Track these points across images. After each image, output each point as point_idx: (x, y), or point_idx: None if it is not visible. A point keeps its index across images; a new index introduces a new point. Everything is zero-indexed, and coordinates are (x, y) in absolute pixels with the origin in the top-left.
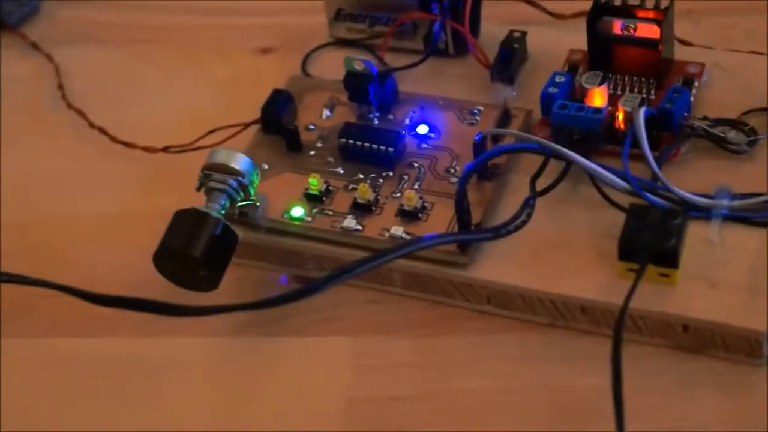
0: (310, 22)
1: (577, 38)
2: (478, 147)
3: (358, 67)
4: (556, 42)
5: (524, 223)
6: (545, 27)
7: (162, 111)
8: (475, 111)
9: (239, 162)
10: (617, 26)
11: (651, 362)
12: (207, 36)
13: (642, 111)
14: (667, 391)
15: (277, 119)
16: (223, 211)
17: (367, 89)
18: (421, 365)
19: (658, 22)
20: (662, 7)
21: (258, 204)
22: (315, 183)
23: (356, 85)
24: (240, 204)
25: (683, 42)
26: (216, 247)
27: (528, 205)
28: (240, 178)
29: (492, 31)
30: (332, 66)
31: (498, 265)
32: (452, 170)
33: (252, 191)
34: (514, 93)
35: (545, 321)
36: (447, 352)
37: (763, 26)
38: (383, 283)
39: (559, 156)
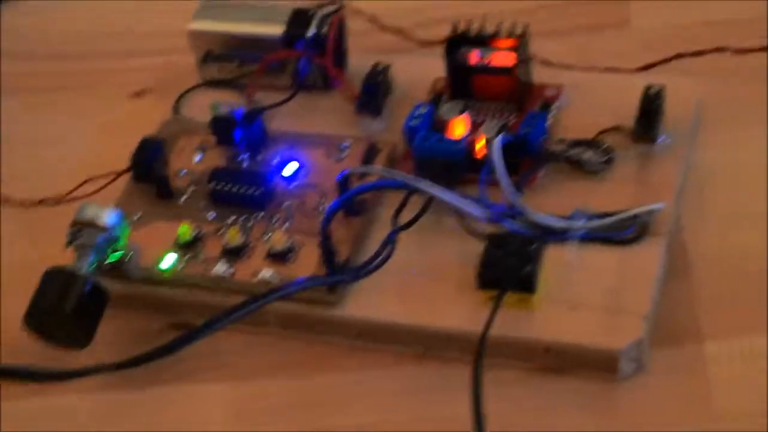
0: (184, 63)
1: (444, 66)
2: (342, 185)
3: (224, 110)
4: (424, 70)
5: (385, 260)
6: (414, 55)
7: (38, 161)
8: (343, 146)
9: (108, 217)
10: (474, 56)
11: (516, 386)
12: (79, 81)
13: (497, 140)
14: (533, 413)
15: (148, 168)
16: (93, 267)
17: (233, 133)
18: (300, 406)
19: (513, 50)
20: (517, 33)
21: (130, 256)
22: (185, 231)
23: (223, 129)
24: (111, 257)
25: (545, 62)
26: (86, 305)
27: (389, 242)
28: (109, 233)
29: (361, 62)
30: (204, 107)
31: (367, 301)
32: (321, 208)
33: (122, 244)
34: (381, 125)
35: (417, 352)
36: (325, 390)
37: (620, 43)
38: (259, 324)
39: (419, 191)
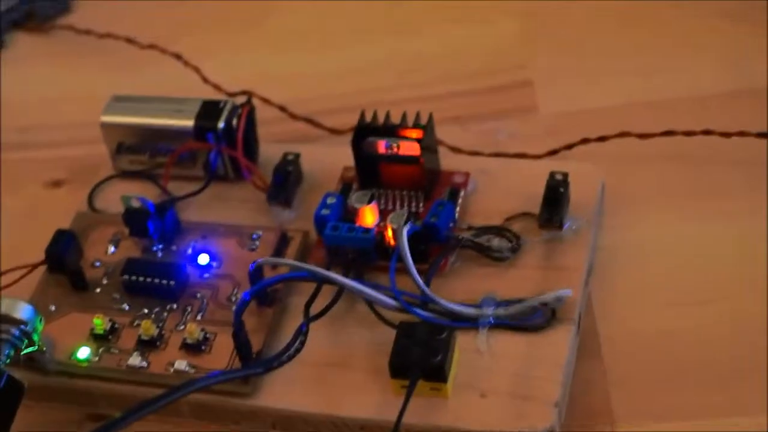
0: (99, 153)
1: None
2: (254, 275)
3: (136, 204)
4: (333, 159)
5: (297, 351)
6: (324, 143)
7: None
8: (255, 236)
9: (21, 311)
10: (381, 146)
11: None
12: None
13: (405, 229)
14: None
15: (62, 260)
16: (8, 361)
17: (146, 225)
18: None
19: (419, 140)
20: (422, 124)
21: (44, 349)
22: (99, 323)
23: (135, 221)
24: (25, 351)
25: (452, 149)
26: (1, 398)
27: (301, 333)
28: (23, 327)
29: (271, 152)
30: (118, 199)
31: (281, 391)
32: (233, 298)
33: (36, 338)
34: (293, 214)
35: None
36: None
37: (526, 127)
38: (173, 414)
39: (329, 282)
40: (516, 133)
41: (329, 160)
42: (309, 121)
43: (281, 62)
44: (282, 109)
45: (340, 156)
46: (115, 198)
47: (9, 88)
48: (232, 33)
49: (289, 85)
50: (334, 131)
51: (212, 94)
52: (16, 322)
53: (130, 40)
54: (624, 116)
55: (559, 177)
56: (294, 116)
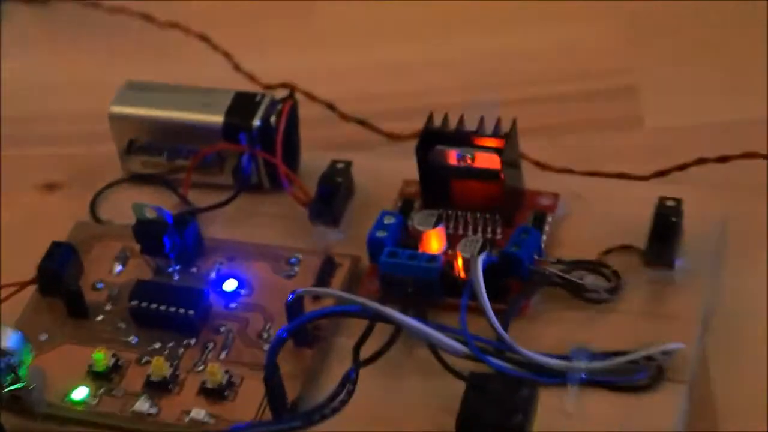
0: (104, 152)
1: (415, 164)
2: (293, 308)
3: (150, 214)
4: (391, 170)
5: (344, 403)
6: (379, 151)
7: None
8: (293, 260)
9: (6, 339)
10: (452, 156)
11: None
12: None
13: (480, 259)
14: None
15: (57, 279)
16: None
17: (162, 240)
18: None
19: (499, 152)
20: (503, 132)
21: (33, 386)
22: (101, 358)
23: (149, 235)
24: (10, 387)
25: (538, 165)
26: None
27: (349, 380)
28: (8, 358)
29: (316, 159)
30: (126, 207)
31: None
32: (265, 335)
33: (23, 372)
34: (340, 235)
35: None
36: None
37: (630, 144)
38: None
39: (384, 319)
40: (617, 148)
41: (386, 171)
42: (363, 123)
43: (330, 54)
44: (330, 107)
45: (400, 167)
46: (123, 206)
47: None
48: (272, 21)
49: (338, 81)
50: (393, 137)
51: (245, 87)
52: (1, 352)
53: (146, 17)
54: (749, 134)
55: (670, 204)
56: (345, 117)
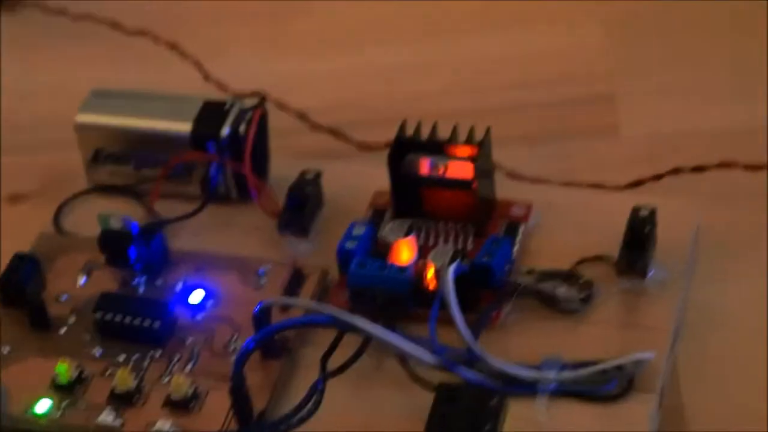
0: (71, 162)
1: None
2: (260, 319)
3: (116, 224)
4: (362, 180)
5: (311, 413)
6: (350, 161)
7: None
8: (262, 271)
9: None
10: (424, 166)
11: None
12: None
13: (451, 269)
14: None
15: (20, 291)
16: None
17: (127, 251)
18: None
19: (472, 160)
20: (476, 141)
21: None
22: (64, 370)
23: (114, 246)
24: None
25: (511, 175)
26: None
27: (316, 391)
28: None
29: (285, 169)
30: (92, 219)
31: None
32: (233, 346)
33: None
34: (310, 246)
35: None
36: None
37: (604, 151)
38: None
39: (353, 330)
40: (592, 158)
41: (357, 181)
42: (333, 132)
43: (302, 62)
44: (301, 116)
45: (371, 177)
46: (88, 217)
47: None
48: (242, 26)
49: (309, 90)
50: (365, 146)
51: (216, 95)
52: None
53: (114, 25)
54: (726, 144)
55: (644, 214)
56: (315, 126)
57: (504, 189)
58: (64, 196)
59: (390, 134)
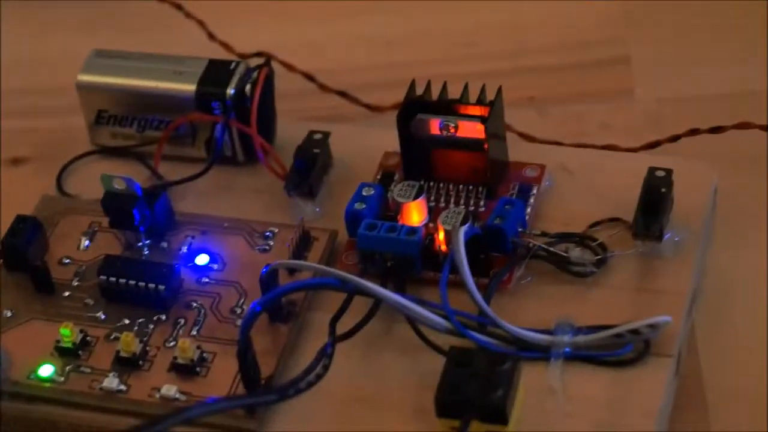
0: (73, 125)
1: (397, 136)
2: (267, 282)
3: (119, 186)
4: (372, 141)
5: (319, 377)
6: (358, 123)
7: None
8: (269, 233)
9: None
10: (435, 125)
11: None
12: None
13: (461, 231)
14: None
15: (22, 254)
16: None
17: (132, 213)
18: None
19: (483, 120)
20: (488, 100)
21: None
22: (67, 333)
23: (117, 208)
24: None
25: (524, 136)
26: None
27: (325, 354)
28: None
29: (292, 130)
30: (95, 181)
31: (296, 428)
32: (239, 310)
33: None
34: (317, 209)
35: None
36: None
37: (619, 115)
38: None
39: (363, 292)
40: (607, 120)
41: (366, 142)
42: (342, 94)
43: (308, 25)
44: (309, 77)
45: (380, 139)
46: (92, 180)
47: None
48: None
49: (317, 52)
50: (374, 108)
51: (220, 56)
52: None
53: None
54: (743, 106)
55: (660, 175)
56: (324, 88)
57: (516, 151)
58: (63, 160)
59: (398, 98)
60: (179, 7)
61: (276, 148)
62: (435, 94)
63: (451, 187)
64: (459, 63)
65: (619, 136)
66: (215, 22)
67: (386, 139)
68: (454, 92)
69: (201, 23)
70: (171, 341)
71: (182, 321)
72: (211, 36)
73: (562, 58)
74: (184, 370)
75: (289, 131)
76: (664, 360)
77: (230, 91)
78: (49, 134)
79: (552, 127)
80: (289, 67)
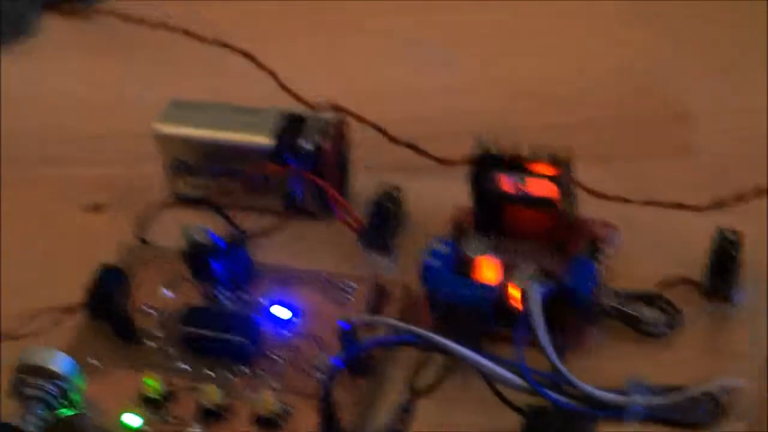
0: (150, 172)
1: (468, 190)
2: (346, 338)
3: (200, 237)
4: (442, 194)
5: None
6: (430, 176)
7: None
8: (346, 286)
9: (58, 363)
10: (507, 183)
11: None
12: (25, 191)
13: (536, 290)
14: None
15: (106, 302)
16: (41, 425)
17: (212, 265)
18: None
19: (555, 179)
20: (559, 159)
21: (85, 412)
22: (152, 384)
23: (198, 260)
24: (62, 412)
25: (592, 193)
26: None
27: (405, 410)
28: (60, 382)
29: (366, 183)
30: (171, 229)
31: None
32: (318, 363)
33: (77, 397)
34: (392, 262)
35: None
36: None
37: (685, 172)
38: None
39: (440, 349)
40: (672, 176)
41: (438, 196)
42: (412, 147)
43: (377, 73)
44: (379, 129)
45: (451, 193)
46: (169, 228)
47: (39, 87)
48: (315, 35)
49: (385, 102)
50: (444, 161)
51: (291, 105)
52: (52, 376)
53: (188, 33)
54: None
55: (730, 237)
56: (394, 140)
57: (584, 207)
58: (140, 207)
59: (463, 148)
60: (250, 57)
61: (350, 201)
62: (506, 148)
63: (522, 243)
64: (522, 116)
65: (684, 192)
66: (285, 66)
67: (457, 192)
68: (524, 146)
69: (273, 74)
70: (252, 393)
71: (263, 373)
72: (283, 86)
73: (626, 113)
74: (266, 423)
75: (363, 184)
76: (738, 424)
77: (306, 144)
78: (125, 181)
79: (617, 183)
80: (360, 119)
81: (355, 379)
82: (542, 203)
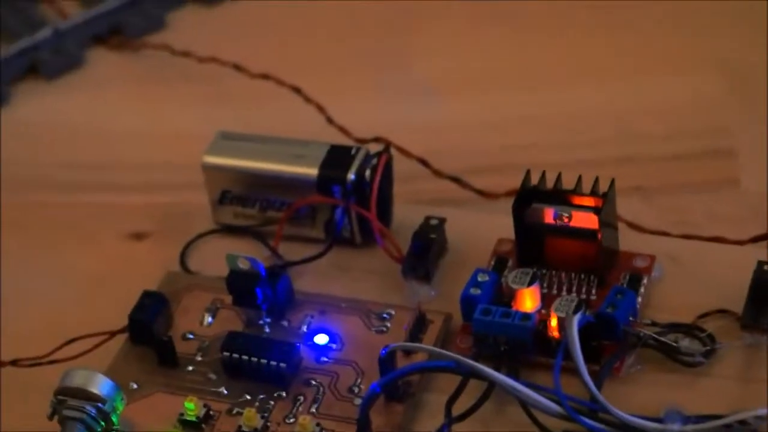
0: (192, 202)
1: (509, 222)
2: (385, 363)
3: (243, 265)
4: (484, 227)
5: None
6: (473, 208)
7: (11, 313)
8: (385, 315)
9: (99, 385)
10: (549, 215)
11: None
12: (66, 218)
13: (575, 319)
14: None
15: (148, 328)
16: None
17: (254, 292)
18: None
19: (597, 211)
20: (601, 192)
21: None
22: (192, 407)
23: (241, 286)
24: None
25: (632, 226)
26: None
27: None
28: (100, 405)
29: (408, 214)
30: (217, 259)
31: None
32: (356, 389)
33: (116, 420)
34: (433, 292)
35: None
36: None
37: (725, 207)
38: None
39: (478, 376)
40: (712, 210)
41: (480, 228)
42: (456, 180)
43: (420, 108)
44: (423, 162)
45: (493, 225)
46: (212, 257)
47: (86, 117)
48: (362, 71)
49: (428, 136)
50: (486, 194)
51: (338, 139)
52: (93, 398)
53: (238, 67)
54: None
55: None
56: (438, 173)
57: (625, 240)
58: (185, 236)
59: (509, 182)
60: (298, 91)
61: (392, 231)
62: (549, 182)
63: (563, 274)
64: (564, 150)
65: (724, 227)
66: (332, 100)
67: (499, 224)
68: (566, 180)
69: (320, 107)
70: (291, 418)
71: (302, 398)
72: (330, 120)
73: (667, 147)
74: None
75: (404, 213)
76: None
77: (351, 176)
78: (170, 209)
79: (658, 217)
80: (405, 153)
81: (391, 404)
82: (583, 235)
